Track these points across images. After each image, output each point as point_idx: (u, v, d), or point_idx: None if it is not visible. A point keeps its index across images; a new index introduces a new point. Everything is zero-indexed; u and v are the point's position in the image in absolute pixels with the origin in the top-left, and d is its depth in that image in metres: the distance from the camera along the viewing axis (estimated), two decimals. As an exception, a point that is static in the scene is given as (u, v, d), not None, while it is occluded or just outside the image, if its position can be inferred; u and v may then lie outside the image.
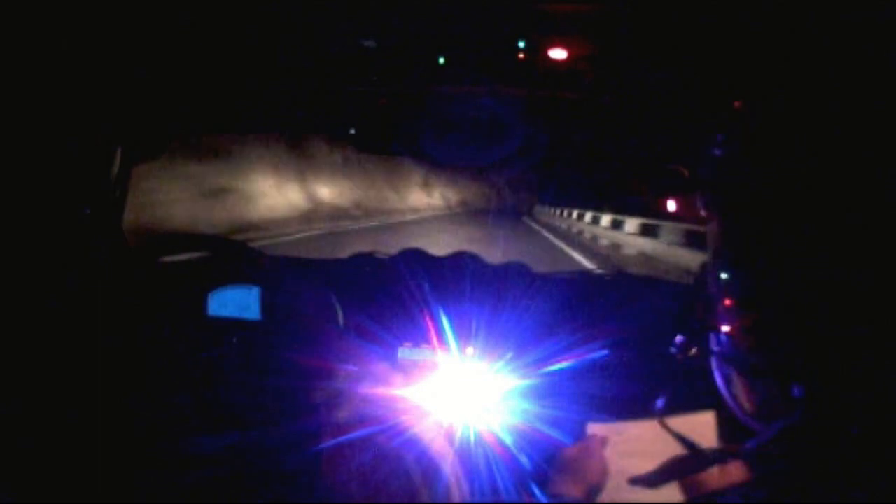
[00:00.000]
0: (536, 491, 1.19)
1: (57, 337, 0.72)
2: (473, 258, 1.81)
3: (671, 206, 1.79)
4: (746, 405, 0.94)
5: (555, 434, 1.34)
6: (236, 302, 1.61)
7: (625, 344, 1.50)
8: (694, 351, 1.11)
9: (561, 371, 1.43)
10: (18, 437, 0.60)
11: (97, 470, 0.60)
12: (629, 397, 1.26)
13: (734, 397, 0.96)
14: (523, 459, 1.31)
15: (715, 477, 1.00)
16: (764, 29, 1.30)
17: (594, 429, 1.18)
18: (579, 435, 1.21)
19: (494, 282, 1.68)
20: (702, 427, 1.10)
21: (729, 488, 0.94)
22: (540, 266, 1.88)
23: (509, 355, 1.47)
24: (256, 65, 1.58)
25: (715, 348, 1.02)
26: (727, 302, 0.95)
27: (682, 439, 1.05)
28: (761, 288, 0.88)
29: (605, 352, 1.48)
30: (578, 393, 1.39)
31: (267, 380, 1.05)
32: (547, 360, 1.44)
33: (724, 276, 0.97)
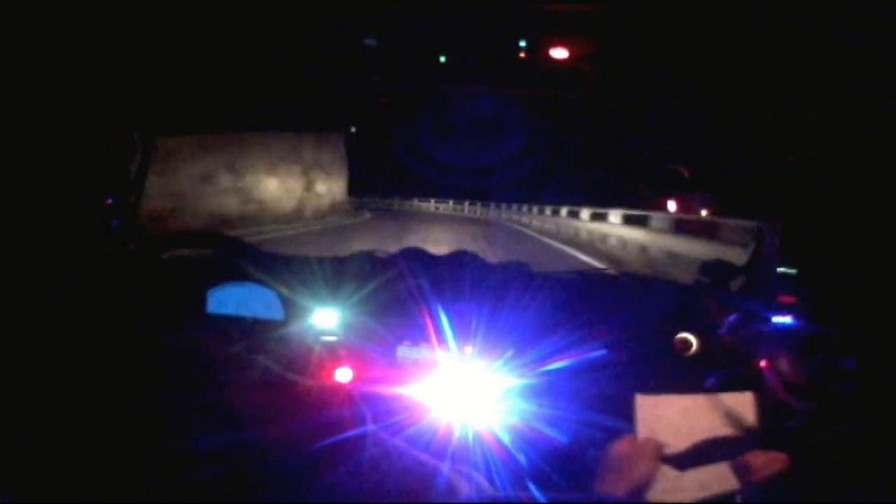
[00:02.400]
0: (533, 489, 1.19)
1: (57, 335, 0.72)
2: (473, 257, 1.82)
3: (671, 206, 1.80)
4: (791, 384, 0.96)
5: (552, 433, 1.35)
6: (236, 299, 1.62)
7: (623, 343, 1.50)
8: (743, 332, 1.14)
9: (559, 370, 1.43)
10: (18, 437, 0.61)
11: (97, 470, 0.61)
12: (624, 396, 1.27)
13: (779, 376, 0.98)
14: (521, 458, 1.31)
15: (757, 456, 1.01)
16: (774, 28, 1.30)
17: (640, 402, 1.15)
18: (578, 431, 1.21)
19: (494, 281, 1.68)
20: (742, 407, 1.10)
21: (770, 468, 0.96)
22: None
23: (508, 354, 1.47)
24: (258, 64, 1.58)
25: (763, 329, 1.04)
26: (784, 293, 0.99)
27: (727, 417, 1.05)
28: (818, 279, 0.93)
29: (602, 351, 1.48)
30: (576, 392, 1.40)
31: (264, 378, 1.06)
32: (545, 359, 1.44)
33: (781, 269, 1.02)
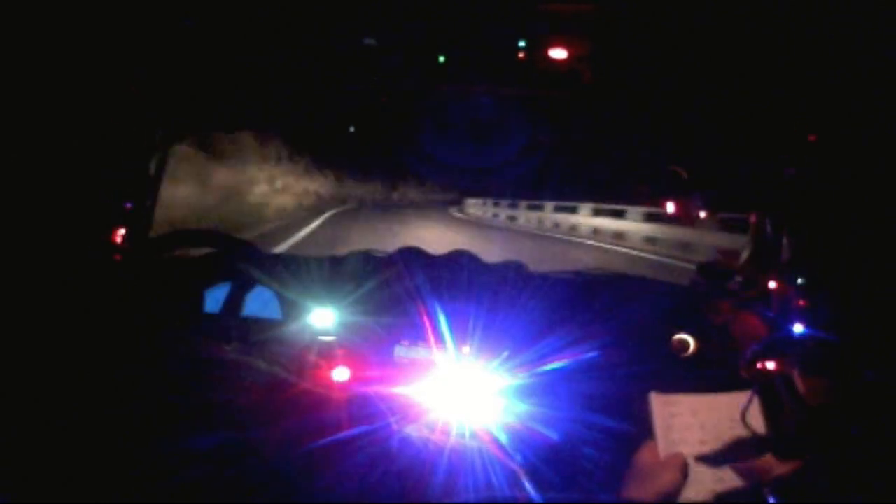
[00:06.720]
0: (530, 488, 1.20)
1: (58, 337, 0.72)
2: (471, 257, 1.82)
3: (670, 207, 1.80)
4: (805, 393, 0.97)
5: (549, 433, 1.35)
6: (234, 299, 1.62)
7: (620, 344, 1.51)
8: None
9: (555, 371, 1.44)
10: (18, 437, 0.61)
11: (96, 470, 0.61)
12: (621, 397, 1.27)
13: (793, 383, 0.99)
14: (518, 457, 1.32)
15: (769, 461, 1.01)
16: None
17: (654, 399, 1.15)
18: (574, 431, 1.21)
19: (491, 280, 1.69)
20: (751, 407, 1.10)
21: (781, 468, 0.96)
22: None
23: (505, 354, 1.48)
24: (258, 63, 1.58)
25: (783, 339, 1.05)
26: (801, 301, 1.01)
27: (737, 416, 1.06)
28: (833, 289, 0.95)
29: (600, 352, 1.48)
30: (571, 392, 1.40)
31: (262, 378, 1.06)
32: (541, 359, 1.45)
33: (799, 280, 1.03)
